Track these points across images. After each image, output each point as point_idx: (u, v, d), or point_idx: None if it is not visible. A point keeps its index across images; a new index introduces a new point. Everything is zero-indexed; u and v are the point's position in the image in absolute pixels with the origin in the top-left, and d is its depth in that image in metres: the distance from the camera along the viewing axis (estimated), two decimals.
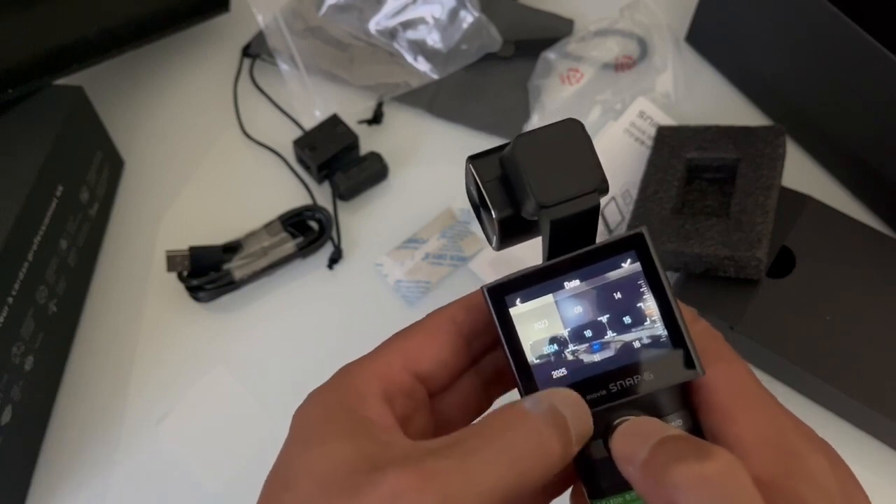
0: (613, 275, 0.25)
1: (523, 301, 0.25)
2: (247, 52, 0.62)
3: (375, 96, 0.60)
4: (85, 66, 0.52)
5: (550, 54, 0.60)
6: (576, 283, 0.25)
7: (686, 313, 0.25)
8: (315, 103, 0.59)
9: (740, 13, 0.56)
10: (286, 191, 0.56)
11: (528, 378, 0.24)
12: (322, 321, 0.52)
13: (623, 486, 0.23)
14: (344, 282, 0.53)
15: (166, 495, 0.47)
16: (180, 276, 0.51)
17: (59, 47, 0.50)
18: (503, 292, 0.25)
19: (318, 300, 0.53)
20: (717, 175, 0.51)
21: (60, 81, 0.51)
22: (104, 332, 0.52)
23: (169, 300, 0.53)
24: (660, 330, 0.24)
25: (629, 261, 0.25)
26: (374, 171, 0.56)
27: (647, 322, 0.24)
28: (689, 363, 0.24)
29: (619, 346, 0.24)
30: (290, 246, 0.53)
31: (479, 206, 0.28)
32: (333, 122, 0.56)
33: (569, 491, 0.27)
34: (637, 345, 0.24)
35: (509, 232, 0.26)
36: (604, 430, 0.24)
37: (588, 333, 0.25)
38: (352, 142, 0.56)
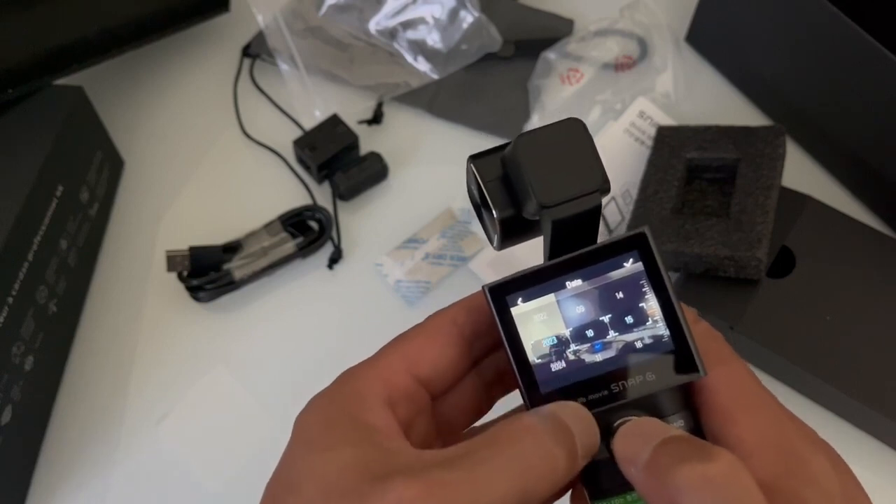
0: (615, 274, 0.25)
1: (525, 301, 0.25)
2: (247, 52, 0.62)
3: (375, 96, 0.60)
4: (85, 66, 0.52)
5: (550, 54, 0.60)
6: (578, 282, 0.25)
7: (687, 314, 0.25)
8: (315, 103, 0.59)
9: (740, 13, 0.56)
10: (286, 191, 0.56)
11: (529, 378, 0.24)
12: (322, 321, 0.52)
13: (624, 486, 0.23)
14: (344, 282, 0.53)
15: (166, 495, 0.47)
16: (180, 276, 0.51)
17: (59, 47, 0.50)
18: (504, 292, 0.25)
19: (318, 300, 0.53)
20: (717, 175, 0.51)
21: (60, 81, 0.51)
22: (104, 332, 0.52)
23: (169, 300, 0.53)
24: (662, 330, 0.24)
25: (631, 260, 0.25)
26: (374, 171, 0.56)
27: (649, 322, 0.24)
28: (690, 364, 0.24)
29: (620, 346, 0.24)
30: (290, 246, 0.53)
31: (480, 206, 0.28)
32: (333, 122, 0.56)
33: (569, 493, 0.27)
34: (639, 345, 0.24)
35: (510, 232, 0.26)
36: (605, 430, 0.24)
37: (590, 333, 0.24)
38: (352, 142, 0.56)
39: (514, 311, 0.25)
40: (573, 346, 0.24)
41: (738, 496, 0.19)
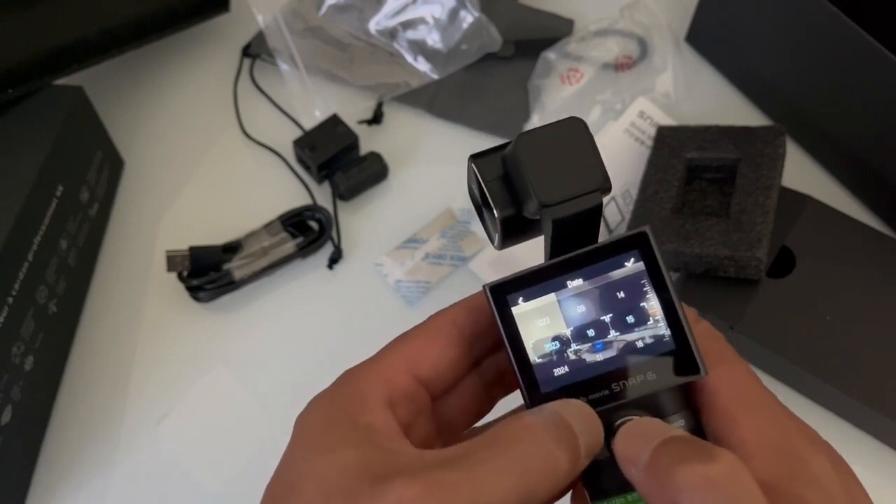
0: (616, 274, 0.25)
1: (526, 300, 0.25)
2: (247, 52, 0.62)
3: (375, 96, 0.60)
4: (85, 66, 0.52)
5: (550, 54, 0.60)
6: (578, 282, 0.25)
7: (688, 314, 0.25)
8: (315, 103, 0.59)
9: (740, 13, 0.56)
10: (286, 191, 0.56)
11: (530, 378, 0.24)
12: (322, 321, 0.52)
13: (625, 486, 0.23)
14: (344, 282, 0.53)
15: (166, 495, 0.47)
16: (180, 276, 0.51)
17: (59, 47, 0.50)
18: (505, 291, 0.25)
19: (318, 300, 0.53)
20: (717, 175, 0.51)
21: (60, 81, 0.51)
22: (104, 332, 0.52)
23: (169, 300, 0.53)
24: (663, 330, 0.24)
25: (632, 260, 0.24)
26: (374, 171, 0.56)
27: (650, 322, 0.24)
28: (692, 364, 0.24)
29: (621, 345, 0.24)
30: (290, 246, 0.53)
31: (480, 206, 0.28)
32: (333, 122, 0.56)
33: (570, 493, 0.27)
34: (640, 344, 0.24)
35: (511, 231, 0.26)
36: (606, 430, 0.24)
37: (591, 333, 0.24)
38: (352, 142, 0.56)
39: (514, 310, 0.25)
40: (574, 346, 0.24)
41: (739, 497, 0.19)
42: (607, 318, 0.24)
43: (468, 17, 0.60)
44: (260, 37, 0.62)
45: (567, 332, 0.24)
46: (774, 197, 0.48)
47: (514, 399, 0.26)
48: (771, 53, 0.55)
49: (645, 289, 0.24)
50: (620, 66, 0.60)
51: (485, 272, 0.53)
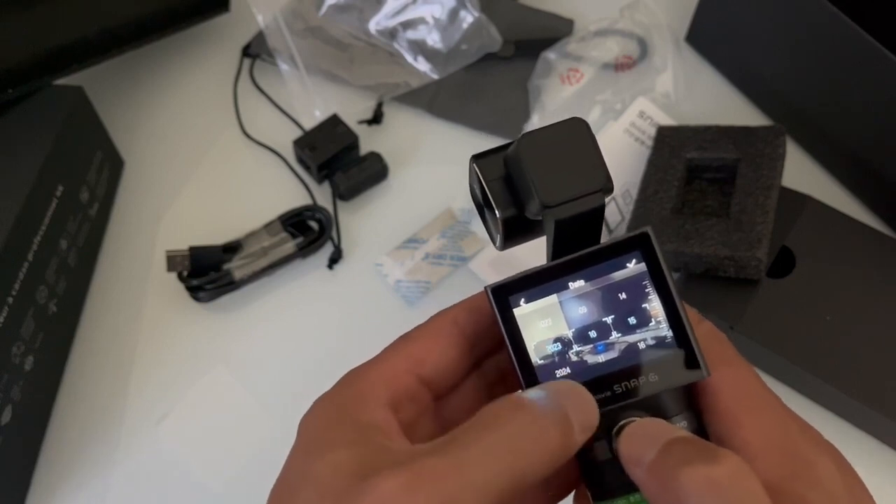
0: (618, 275, 0.24)
1: (527, 301, 0.25)
2: (247, 52, 0.62)
3: (375, 96, 0.60)
4: (85, 66, 0.52)
5: (550, 54, 0.60)
6: (580, 283, 0.25)
7: (690, 315, 0.25)
8: (315, 103, 0.59)
9: (740, 13, 0.56)
10: (286, 191, 0.56)
11: (531, 379, 0.24)
12: (322, 321, 0.52)
13: (628, 488, 0.23)
14: (344, 282, 0.53)
15: (166, 495, 0.47)
16: (180, 276, 0.51)
17: (59, 47, 0.50)
18: (507, 292, 0.25)
19: (318, 300, 0.53)
20: (717, 175, 0.51)
21: (60, 81, 0.51)
22: (104, 332, 0.52)
23: (169, 300, 0.53)
24: (665, 331, 0.24)
25: (634, 261, 0.24)
26: (374, 171, 0.56)
27: (652, 323, 0.24)
28: (694, 365, 0.24)
29: (623, 346, 0.24)
30: (290, 246, 0.53)
31: (482, 206, 0.27)
32: (333, 122, 0.56)
33: (572, 494, 0.27)
34: (642, 346, 0.24)
35: (513, 232, 0.26)
36: (608, 431, 0.24)
37: (592, 334, 0.24)
38: (352, 142, 0.56)
39: (516, 311, 0.25)
40: (576, 347, 0.24)
41: (743, 499, 0.19)
42: (609, 319, 0.24)
43: (468, 17, 0.60)
44: (260, 37, 0.62)
45: (569, 333, 0.24)
46: (774, 197, 0.48)
47: None
48: (771, 53, 0.55)
49: (647, 290, 0.24)
50: (620, 66, 0.60)
51: (485, 272, 0.53)
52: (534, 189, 0.24)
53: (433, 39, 0.60)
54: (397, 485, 0.19)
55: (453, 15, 0.60)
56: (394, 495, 0.19)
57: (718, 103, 0.60)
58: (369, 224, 0.55)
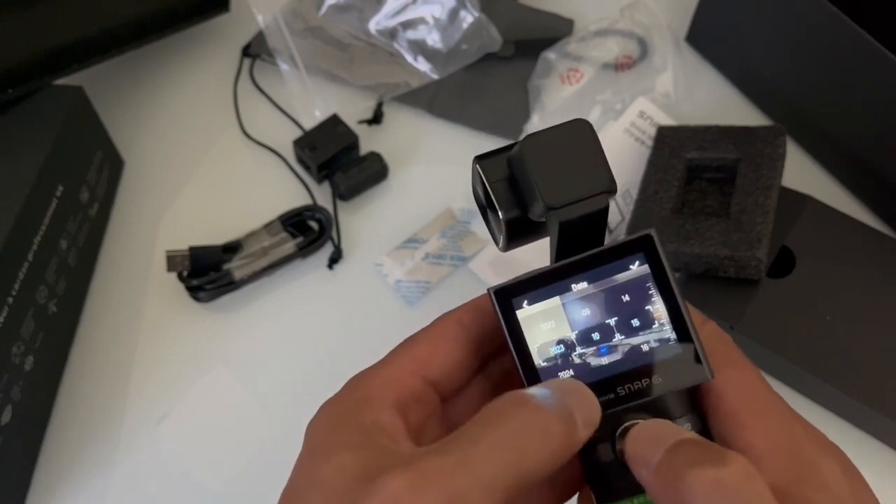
0: (621, 277, 0.24)
1: (530, 303, 0.25)
2: (247, 52, 0.62)
3: (375, 96, 0.60)
4: (85, 66, 0.52)
5: (550, 54, 0.60)
6: (583, 285, 0.24)
7: (694, 316, 0.25)
8: (315, 103, 0.59)
9: (740, 13, 0.56)
10: (286, 191, 0.56)
11: (534, 381, 0.24)
12: (322, 321, 0.52)
13: (632, 489, 0.23)
14: (344, 282, 0.53)
15: (166, 495, 0.47)
16: (180, 276, 0.51)
17: (59, 47, 0.50)
18: (510, 294, 0.25)
19: (318, 300, 0.53)
20: (717, 175, 0.51)
21: (60, 81, 0.51)
22: (104, 332, 0.52)
23: (169, 300, 0.53)
24: (668, 333, 0.24)
25: (637, 263, 0.24)
26: (374, 171, 0.56)
27: (656, 325, 0.24)
28: (698, 367, 0.24)
29: (626, 349, 0.24)
30: (290, 246, 0.53)
31: (485, 207, 0.27)
32: (333, 122, 0.56)
33: (576, 496, 0.27)
34: (645, 348, 0.24)
35: (516, 233, 0.26)
36: (612, 433, 0.24)
37: (596, 336, 0.24)
38: (352, 142, 0.56)
39: (519, 313, 0.25)
40: (579, 350, 0.24)
41: (751, 501, 0.19)
42: (612, 321, 0.24)
43: (468, 17, 0.60)
44: (260, 37, 0.62)
45: (572, 335, 0.24)
46: (774, 197, 0.48)
47: None
48: (771, 53, 0.55)
49: (650, 292, 0.24)
50: (620, 66, 0.60)
51: (485, 272, 0.53)
52: (537, 191, 0.24)
53: (433, 39, 0.60)
54: (404, 484, 0.19)
55: (453, 15, 0.60)
56: (400, 495, 0.19)
57: (718, 103, 0.60)
58: (369, 224, 0.55)
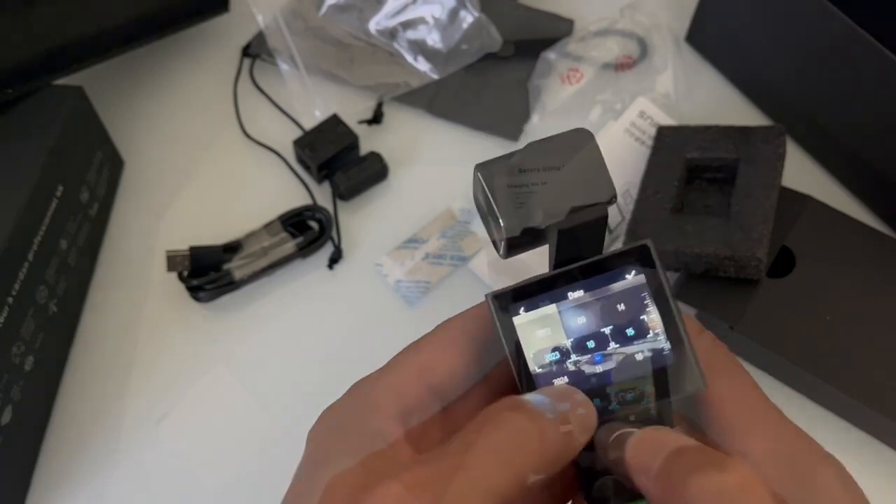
0: (617, 286, 0.25)
1: (527, 310, 0.25)
2: (247, 52, 0.62)
3: (375, 96, 0.60)
4: (85, 66, 0.52)
5: (550, 54, 0.60)
6: (579, 293, 0.25)
7: (691, 325, 0.25)
8: (315, 103, 0.59)
9: (740, 13, 0.56)
10: (286, 191, 0.56)
11: (530, 387, 0.24)
12: (322, 321, 0.52)
13: (628, 496, 0.23)
14: (344, 282, 0.53)
15: (166, 495, 0.47)
16: (180, 276, 0.51)
17: (59, 47, 0.50)
18: (507, 301, 0.25)
19: (318, 300, 0.53)
20: (717, 175, 0.51)
21: (60, 81, 0.51)
22: (104, 332, 0.52)
23: (169, 300, 0.53)
24: (662, 343, 0.24)
25: (633, 272, 0.25)
26: (374, 171, 0.56)
27: (651, 334, 0.24)
28: (691, 377, 0.24)
29: (621, 357, 0.24)
30: (290, 246, 0.53)
31: (487, 215, 0.28)
32: (333, 122, 0.56)
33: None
34: (639, 357, 0.24)
35: (518, 241, 0.26)
36: (605, 442, 0.24)
37: (591, 344, 0.24)
38: (352, 142, 0.56)
39: (515, 320, 0.25)
40: (574, 357, 0.24)
41: None
42: (607, 330, 0.24)
43: (468, 17, 0.60)
44: (260, 37, 0.62)
45: (567, 343, 0.25)
46: (774, 197, 0.48)
47: None
48: (771, 53, 0.55)
49: (645, 301, 0.24)
50: (620, 66, 0.60)
51: (485, 272, 0.53)
52: (536, 199, 0.24)
53: (433, 39, 0.60)
54: (402, 490, 0.19)
55: (453, 15, 0.60)
56: (399, 501, 0.19)
57: (718, 103, 0.60)
58: (369, 224, 0.55)
